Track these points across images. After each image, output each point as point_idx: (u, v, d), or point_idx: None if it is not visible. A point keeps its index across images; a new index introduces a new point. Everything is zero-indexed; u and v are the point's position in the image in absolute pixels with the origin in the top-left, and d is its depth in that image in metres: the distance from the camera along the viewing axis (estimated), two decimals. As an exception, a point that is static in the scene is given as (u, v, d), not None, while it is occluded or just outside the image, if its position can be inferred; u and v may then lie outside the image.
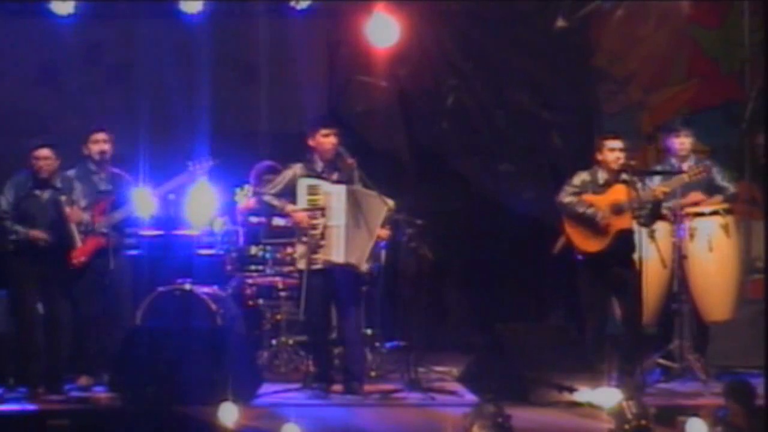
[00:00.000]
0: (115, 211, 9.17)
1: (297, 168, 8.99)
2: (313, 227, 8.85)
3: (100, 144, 9.27)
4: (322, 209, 8.86)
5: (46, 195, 9.00)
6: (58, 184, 9.04)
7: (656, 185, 9.11)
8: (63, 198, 8.95)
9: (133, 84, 11.92)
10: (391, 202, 8.96)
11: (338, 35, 11.75)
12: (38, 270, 8.92)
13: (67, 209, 8.93)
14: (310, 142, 8.99)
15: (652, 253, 9.00)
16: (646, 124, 11.37)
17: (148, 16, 11.70)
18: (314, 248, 8.84)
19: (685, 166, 9.45)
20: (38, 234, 8.90)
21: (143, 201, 9.28)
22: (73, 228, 8.96)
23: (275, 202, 9.01)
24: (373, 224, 8.90)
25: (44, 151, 8.99)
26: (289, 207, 8.96)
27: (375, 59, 11.26)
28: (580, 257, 8.98)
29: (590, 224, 8.94)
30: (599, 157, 9.06)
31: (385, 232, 8.96)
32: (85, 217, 9.01)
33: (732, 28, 11.18)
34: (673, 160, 9.57)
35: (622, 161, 8.96)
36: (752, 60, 10.99)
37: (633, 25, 11.37)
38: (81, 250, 9.04)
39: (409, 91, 11.70)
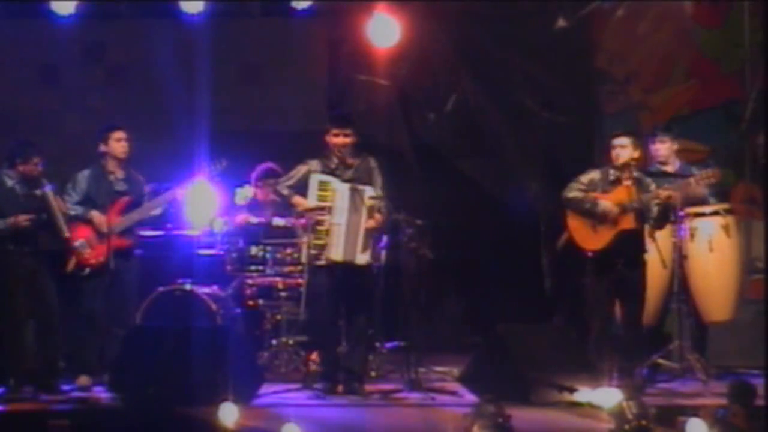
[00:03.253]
0: (132, 212, 9.20)
1: (313, 163, 9.04)
2: (319, 223, 8.88)
3: (122, 142, 9.29)
4: (329, 207, 8.88)
5: (29, 192, 8.99)
6: (44, 182, 9.04)
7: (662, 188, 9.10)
8: (50, 192, 8.96)
9: (133, 84, 11.93)
10: (370, 191, 8.94)
11: (338, 35, 11.75)
12: (28, 267, 8.94)
13: (53, 200, 8.94)
14: (326, 139, 9.05)
15: (652, 253, 9.01)
16: (646, 124, 11.37)
17: (148, 16, 11.72)
18: (320, 245, 8.87)
19: (669, 169, 9.46)
20: (20, 219, 8.87)
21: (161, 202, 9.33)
22: (60, 218, 8.98)
23: (285, 191, 9.08)
24: (362, 217, 8.92)
25: (38, 158, 9.01)
26: (296, 198, 9.00)
27: (376, 59, 11.26)
28: (590, 254, 8.95)
29: (593, 221, 8.92)
30: (610, 155, 9.06)
31: (372, 222, 8.95)
32: (64, 206, 9.03)
33: (732, 29, 11.18)
34: (657, 165, 9.58)
35: (621, 160, 8.94)
36: (752, 60, 10.99)
37: (633, 25, 11.37)
38: (100, 250, 9.09)
39: (410, 91, 11.70)
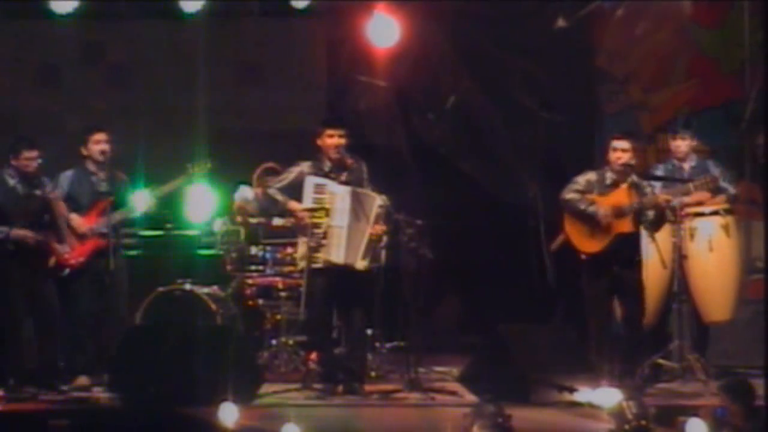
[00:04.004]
0: (114, 212, 9.17)
1: (305, 166, 9.02)
2: (316, 226, 8.87)
3: (101, 144, 9.27)
4: (326, 209, 8.87)
5: (31, 191, 9.01)
6: (46, 182, 9.06)
7: (660, 192, 9.09)
8: (52, 195, 8.97)
9: (133, 84, 11.93)
10: (381, 198, 8.95)
11: (338, 35, 11.75)
12: (28, 267, 8.94)
13: (57, 206, 8.95)
14: (318, 142, 9.03)
15: (652, 253, 9.00)
16: (646, 124, 11.37)
17: (148, 16, 11.71)
18: (316, 247, 8.86)
19: (686, 166, 9.49)
20: (22, 234, 8.90)
21: (142, 202, 9.26)
22: (63, 225, 8.99)
23: (279, 196, 9.06)
24: (368, 222, 8.92)
25: (34, 153, 9.02)
26: (292, 203, 8.98)
27: (375, 59, 11.25)
28: (584, 257, 8.95)
29: (590, 224, 8.92)
30: (608, 156, 9.05)
31: (378, 228, 8.95)
32: (66, 213, 9.03)
33: (732, 28, 11.17)
34: (675, 161, 9.59)
35: (622, 161, 8.93)
36: (752, 60, 10.98)
37: (633, 25, 11.36)
38: (80, 250, 9.07)
39: (409, 91, 11.70)
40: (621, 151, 8.93)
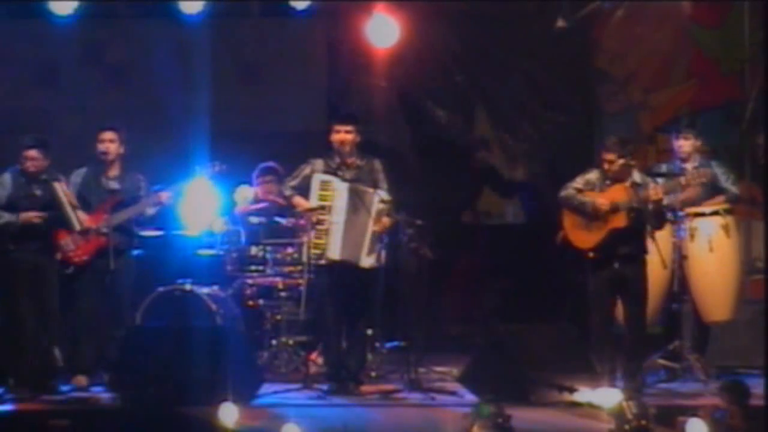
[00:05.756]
0: (120, 211, 9.16)
1: (317, 163, 9.03)
2: (320, 223, 8.88)
3: (105, 143, 9.28)
4: (329, 206, 8.87)
5: (37, 190, 9.03)
6: (60, 179, 9.08)
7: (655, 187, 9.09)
8: (55, 183, 8.98)
9: (133, 84, 11.93)
10: (382, 194, 8.94)
11: (338, 35, 11.75)
12: (32, 266, 8.95)
13: (61, 192, 8.96)
14: (329, 138, 9.04)
15: (652, 253, 9.00)
16: (646, 124, 11.38)
17: (148, 16, 11.71)
18: (319, 244, 8.86)
19: (688, 166, 9.45)
20: (30, 216, 8.92)
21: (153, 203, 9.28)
22: (70, 209, 8.98)
23: (287, 192, 9.09)
24: (367, 218, 8.90)
25: (31, 152, 9.06)
26: (296, 199, 9.00)
27: (375, 59, 11.26)
28: (591, 255, 8.94)
29: (586, 219, 8.90)
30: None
31: (381, 224, 8.93)
32: (73, 198, 9.04)
33: (732, 28, 11.19)
34: (677, 161, 9.58)
35: (611, 173, 8.89)
36: (752, 60, 10.99)
37: (633, 25, 11.38)
38: (84, 249, 9.07)
39: (410, 91, 11.70)
40: (608, 163, 8.90)
